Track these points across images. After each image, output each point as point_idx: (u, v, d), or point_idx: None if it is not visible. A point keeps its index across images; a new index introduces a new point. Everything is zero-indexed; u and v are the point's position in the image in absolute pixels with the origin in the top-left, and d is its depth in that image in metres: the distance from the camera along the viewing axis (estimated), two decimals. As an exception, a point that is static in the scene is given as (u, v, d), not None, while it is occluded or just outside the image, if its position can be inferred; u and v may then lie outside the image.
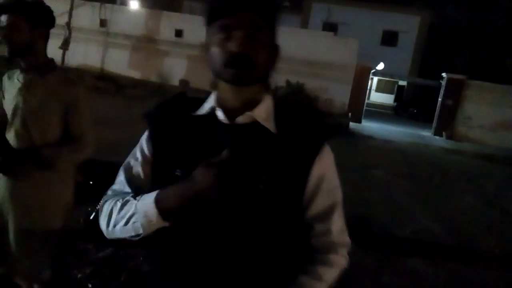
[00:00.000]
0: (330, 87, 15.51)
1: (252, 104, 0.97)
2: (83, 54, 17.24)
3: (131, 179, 1.02)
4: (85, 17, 17.41)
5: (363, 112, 16.50)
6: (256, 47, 0.91)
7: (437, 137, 15.03)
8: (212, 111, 0.99)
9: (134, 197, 0.94)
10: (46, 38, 1.83)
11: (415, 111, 22.18)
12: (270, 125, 0.97)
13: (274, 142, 0.95)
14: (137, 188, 1.00)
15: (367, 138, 12.91)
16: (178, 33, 16.90)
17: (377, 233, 4.66)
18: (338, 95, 15.55)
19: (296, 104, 1.08)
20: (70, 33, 16.82)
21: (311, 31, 20.36)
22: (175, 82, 16.09)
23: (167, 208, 0.87)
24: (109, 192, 1.04)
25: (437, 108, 15.65)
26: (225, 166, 0.81)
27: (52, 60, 1.88)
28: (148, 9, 18.63)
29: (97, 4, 17.35)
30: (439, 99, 15.63)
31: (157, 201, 0.88)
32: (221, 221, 0.91)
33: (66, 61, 16.89)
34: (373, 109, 23.30)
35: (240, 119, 0.96)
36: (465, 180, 8.88)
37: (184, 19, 17.42)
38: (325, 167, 1.01)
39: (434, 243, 4.70)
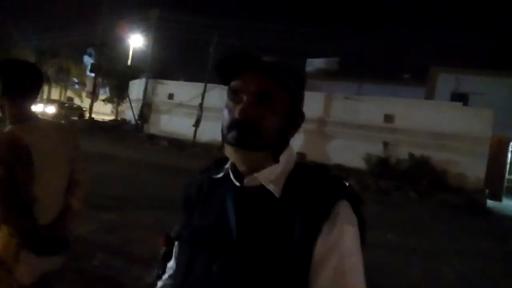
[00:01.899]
0: (460, 160, 14.07)
1: (263, 168, 0.93)
2: (212, 131, 18.94)
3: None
4: (215, 98, 19.41)
5: (504, 189, 14.39)
6: (262, 113, 0.88)
7: None
8: (228, 173, 0.98)
9: None
10: (18, 102, 1.74)
11: None
12: (275, 188, 0.90)
13: (277, 208, 0.88)
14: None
15: (510, 219, 11.07)
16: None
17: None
18: (471, 169, 13.95)
19: (318, 169, 0.96)
20: (201, 113, 18.84)
21: (437, 101, 19.27)
22: (293, 155, 16.42)
23: None
24: (166, 276, 1.10)
25: None
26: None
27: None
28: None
29: (226, 87, 19.25)
30: None
31: None
32: None
33: (197, 137, 18.76)
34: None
35: (247, 182, 0.94)
36: None
37: (303, 95, 18.12)
38: (334, 241, 0.83)
39: None
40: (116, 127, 22.13)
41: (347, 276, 0.82)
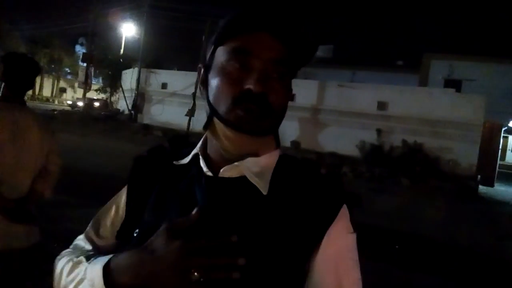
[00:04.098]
0: (453, 146, 14.18)
1: (257, 155, 0.75)
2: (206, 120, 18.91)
3: (96, 232, 0.85)
4: (209, 87, 19.34)
5: (496, 175, 14.55)
6: (278, 89, 0.71)
7: None
8: (196, 160, 0.78)
9: (90, 257, 0.75)
10: (13, 87, 2.05)
11: None
12: (261, 183, 0.73)
13: (263, 208, 0.71)
14: (99, 247, 0.83)
15: (501, 205, 11.22)
16: (291, 97, 17.56)
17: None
18: (464, 155, 14.07)
19: (306, 161, 0.81)
20: (195, 102, 18.76)
21: (430, 88, 19.31)
22: (287, 143, 16.47)
23: (116, 283, 0.66)
24: (70, 246, 0.86)
25: None
26: (194, 235, 0.62)
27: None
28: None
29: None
30: None
31: (105, 270, 0.68)
32: None
33: (191, 126, 18.72)
34: (511, 171, 20.45)
35: (225, 172, 0.74)
36: None
37: (296, 83, 17.76)
38: (337, 255, 0.72)
39: None
40: (109, 118, 22.01)
41: None
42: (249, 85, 0.68)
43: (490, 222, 8.76)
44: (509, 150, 25.70)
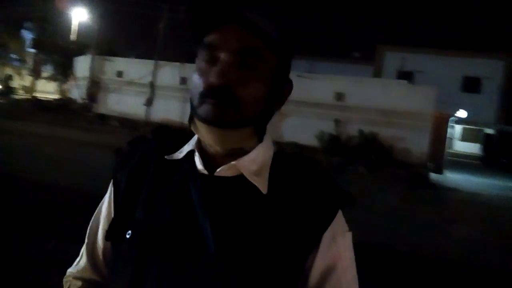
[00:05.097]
0: (406, 136, 14.83)
1: (241, 152, 0.73)
2: (165, 110, 18.54)
3: (92, 254, 0.85)
4: (167, 76, 18.93)
5: (445, 162, 15.40)
6: (245, 78, 0.68)
7: (534, 190, 13.41)
8: (192, 156, 0.76)
9: None
10: None
11: (505, 161, 20.22)
12: (260, 182, 0.72)
13: (262, 208, 0.71)
14: (99, 268, 0.84)
15: (449, 190, 11.91)
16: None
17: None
18: (415, 144, 14.76)
19: (301, 159, 0.80)
20: (153, 91, 18.34)
21: (384, 80, 20.03)
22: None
23: None
24: (72, 271, 0.86)
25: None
26: None
27: None
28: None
29: (178, 64, 18.86)
30: (534, 148, 14.13)
31: None
32: None
33: (149, 116, 18.31)
34: (458, 159, 21.71)
35: (222, 171, 0.72)
36: None
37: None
38: (336, 254, 0.73)
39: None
40: (62, 107, 21.05)
41: None
42: (210, 80, 0.68)
43: (439, 207, 9.27)
44: (455, 138, 27.20)
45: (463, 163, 20.72)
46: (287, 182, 0.74)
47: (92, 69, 21.40)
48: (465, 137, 27.36)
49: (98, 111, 20.29)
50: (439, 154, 14.99)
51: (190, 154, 0.76)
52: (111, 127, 17.17)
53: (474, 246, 6.21)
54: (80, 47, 26.12)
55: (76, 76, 22.69)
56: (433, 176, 13.48)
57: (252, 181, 0.72)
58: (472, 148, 26.59)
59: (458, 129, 26.26)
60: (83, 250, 0.86)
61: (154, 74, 18.73)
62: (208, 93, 0.68)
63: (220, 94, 0.67)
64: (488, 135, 25.97)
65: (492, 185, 13.78)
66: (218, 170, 0.72)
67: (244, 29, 0.68)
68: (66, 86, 28.22)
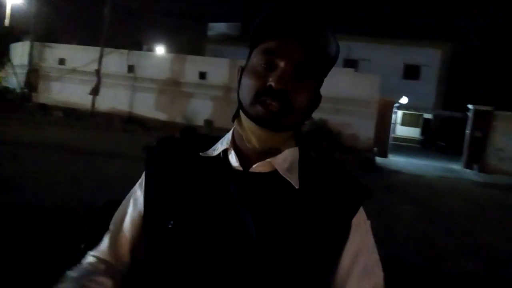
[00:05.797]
0: (353, 122, 15.47)
1: (275, 152, 0.80)
2: (113, 99, 17.90)
3: (115, 241, 0.87)
4: (114, 63, 18.23)
5: (389, 147, 16.25)
6: (299, 87, 0.76)
7: (468, 170, 14.55)
8: (225, 154, 0.83)
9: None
10: None
11: (443, 144, 21.68)
12: (293, 178, 0.79)
13: (296, 200, 0.78)
14: (120, 255, 0.86)
15: (394, 173, 12.62)
16: (202, 75, 17.46)
17: (409, 275, 4.44)
18: (363, 130, 15.46)
19: (324, 159, 0.90)
20: (99, 80, 17.58)
21: (333, 68, 20.54)
22: (200, 122, 16.42)
23: None
24: (90, 259, 0.86)
25: (465, 140, 15.26)
26: None
27: None
28: (173, 54, 19.49)
29: (125, 51, 18.21)
30: (467, 131, 15.27)
31: None
32: None
33: (96, 105, 17.57)
34: (400, 143, 22.93)
35: (257, 167, 0.79)
36: (501, 214, 8.47)
37: (207, 61, 18.06)
38: (362, 239, 0.83)
39: (473, 285, 4.44)
40: (-3, 97, 19.63)
41: (375, 269, 0.83)
42: (271, 82, 0.74)
43: (386, 189, 9.83)
44: (398, 123, 28.64)
45: (404, 146, 21.93)
46: (314, 178, 0.82)
47: (31, 56, 20.10)
48: (406, 122, 28.80)
49: (39, 101, 19.15)
50: (384, 139, 15.78)
51: (225, 151, 0.83)
52: (55, 118, 16.30)
53: (419, 226, 6.70)
54: (16, 33, 24.37)
55: (13, 64, 21.18)
56: (379, 160, 14.19)
57: (285, 177, 0.79)
58: (412, 132, 28.09)
59: (399, 114, 27.65)
60: (105, 238, 0.89)
61: (100, 61, 17.94)
62: (266, 94, 0.74)
63: (279, 97, 0.74)
64: (426, 119, 27.59)
65: (432, 167, 14.76)
66: (254, 166, 0.80)
67: (302, 46, 0.76)
68: (1, 74, 26.32)
